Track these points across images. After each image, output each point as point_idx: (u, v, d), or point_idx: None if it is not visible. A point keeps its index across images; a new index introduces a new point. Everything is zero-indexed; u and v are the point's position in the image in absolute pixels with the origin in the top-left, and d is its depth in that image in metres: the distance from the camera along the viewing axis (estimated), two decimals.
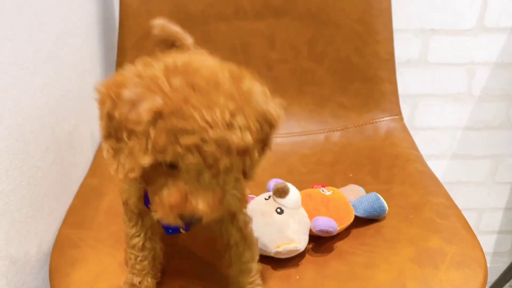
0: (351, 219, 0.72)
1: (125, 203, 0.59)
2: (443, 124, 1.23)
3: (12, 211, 0.60)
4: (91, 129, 0.91)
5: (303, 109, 1.00)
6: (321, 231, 0.68)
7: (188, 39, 0.69)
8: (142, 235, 0.60)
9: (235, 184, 0.52)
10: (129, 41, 0.94)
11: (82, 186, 0.82)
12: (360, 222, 0.74)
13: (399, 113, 0.99)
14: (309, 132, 0.99)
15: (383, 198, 0.75)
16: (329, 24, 0.96)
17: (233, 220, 0.58)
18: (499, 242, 1.41)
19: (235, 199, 0.54)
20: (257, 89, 0.46)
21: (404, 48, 1.12)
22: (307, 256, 0.69)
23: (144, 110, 0.42)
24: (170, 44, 0.68)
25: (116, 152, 0.44)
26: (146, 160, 0.43)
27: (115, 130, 0.44)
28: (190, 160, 0.42)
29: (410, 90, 1.17)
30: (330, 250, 0.70)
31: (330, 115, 0.99)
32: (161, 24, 0.67)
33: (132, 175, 0.44)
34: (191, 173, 0.44)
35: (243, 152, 0.44)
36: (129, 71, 0.46)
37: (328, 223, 0.68)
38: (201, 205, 0.44)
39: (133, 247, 0.60)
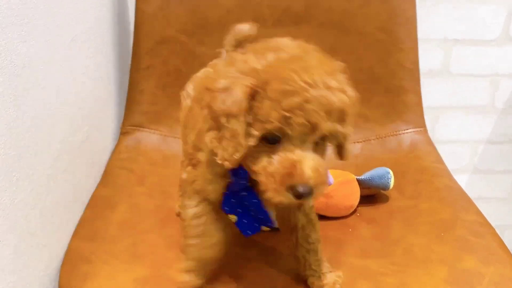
0: (349, 177, 0.76)
1: (200, 191, 0.56)
2: (464, 137, 1.19)
3: (22, 223, 0.56)
4: (103, 138, 0.88)
5: None
6: None
7: None
8: (204, 217, 0.57)
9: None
10: (145, 47, 0.91)
11: (94, 196, 0.78)
12: (386, 236, 0.70)
13: (423, 125, 0.95)
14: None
15: (410, 215, 0.73)
16: (352, 32, 0.93)
17: (300, 205, 0.59)
18: None
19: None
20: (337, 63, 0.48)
21: (426, 58, 1.08)
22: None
23: (238, 91, 0.44)
24: (237, 44, 0.72)
25: (219, 140, 0.46)
26: (253, 135, 0.45)
27: (215, 120, 0.46)
28: (296, 121, 0.43)
29: (431, 102, 1.13)
30: (358, 269, 0.65)
31: None
32: (252, 30, 0.70)
33: (237, 156, 0.46)
34: (294, 141, 0.45)
35: (342, 117, 0.46)
36: (219, 65, 0.51)
37: None
38: (310, 171, 0.45)
39: (195, 225, 0.57)
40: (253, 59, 0.46)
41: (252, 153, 0.47)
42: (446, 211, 0.75)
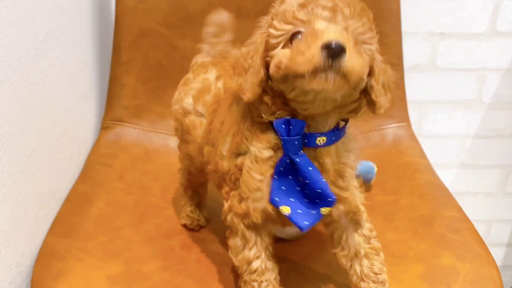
0: None
1: (245, 215, 0.53)
2: (451, 132, 1.18)
3: None
4: (83, 133, 0.87)
5: None
6: None
7: (227, 44, 0.72)
8: (263, 255, 0.55)
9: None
10: (125, 40, 0.90)
11: (72, 192, 0.77)
12: None
13: (407, 120, 0.94)
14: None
15: (390, 211, 0.72)
16: None
17: (357, 227, 0.56)
18: (508, 255, 1.36)
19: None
20: None
21: (412, 52, 1.07)
22: (305, 267, 0.64)
23: (258, 38, 0.49)
24: (216, 33, 0.72)
25: (243, 75, 0.49)
26: (279, 31, 0.47)
27: (241, 66, 0.50)
28: (317, 6, 0.45)
29: (418, 96, 1.12)
30: (332, 264, 0.65)
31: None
32: (226, 17, 0.70)
33: (256, 79, 0.48)
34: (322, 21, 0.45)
35: (362, 12, 0.47)
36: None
37: None
38: (337, 35, 0.44)
39: (255, 272, 0.54)
40: None
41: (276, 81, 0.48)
42: (426, 207, 0.75)
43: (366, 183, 0.80)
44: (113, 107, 0.92)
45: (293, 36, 0.46)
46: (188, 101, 0.64)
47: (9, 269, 0.60)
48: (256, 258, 0.54)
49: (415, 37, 1.06)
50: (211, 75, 0.65)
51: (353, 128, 0.92)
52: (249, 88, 0.48)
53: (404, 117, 0.94)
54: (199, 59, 0.72)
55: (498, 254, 1.35)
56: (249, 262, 0.54)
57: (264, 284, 0.54)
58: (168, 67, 0.91)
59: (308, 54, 0.43)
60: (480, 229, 1.28)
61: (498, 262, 1.36)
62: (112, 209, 0.74)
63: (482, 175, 1.24)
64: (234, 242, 0.55)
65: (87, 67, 0.88)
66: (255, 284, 0.54)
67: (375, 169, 0.80)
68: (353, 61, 0.44)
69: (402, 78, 0.94)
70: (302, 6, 0.46)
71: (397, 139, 0.92)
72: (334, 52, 0.42)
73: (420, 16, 1.05)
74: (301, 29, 0.46)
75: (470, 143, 1.20)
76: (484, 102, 1.15)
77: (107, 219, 0.72)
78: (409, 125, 0.94)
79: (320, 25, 0.45)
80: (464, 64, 1.10)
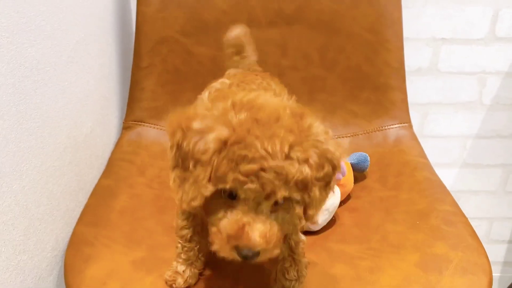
0: (347, 162, 0.85)
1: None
2: (453, 132, 1.23)
3: (31, 208, 0.63)
4: (106, 132, 0.94)
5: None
6: None
7: (253, 57, 0.78)
8: (191, 228, 0.62)
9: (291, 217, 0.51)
10: (145, 47, 0.97)
11: (97, 186, 0.84)
12: (365, 224, 0.75)
13: (408, 121, 1.00)
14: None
15: (390, 205, 0.78)
16: (341, 33, 0.98)
17: (285, 238, 0.58)
18: (509, 251, 1.40)
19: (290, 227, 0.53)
20: (317, 127, 0.47)
21: (415, 56, 1.13)
22: (313, 257, 0.70)
23: (211, 140, 0.44)
24: (236, 51, 0.77)
25: (182, 181, 0.47)
26: (208, 188, 0.45)
27: (182, 160, 0.46)
28: (249, 187, 0.44)
29: (421, 99, 1.18)
30: (337, 253, 0.71)
31: (340, 122, 1.01)
32: (238, 33, 0.74)
33: (194, 203, 0.46)
34: (249, 203, 0.46)
35: (302, 186, 0.45)
36: (200, 105, 0.49)
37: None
38: (257, 237, 0.45)
39: (182, 237, 0.63)
40: (229, 112, 0.46)
41: (212, 202, 0.47)
42: (423, 202, 0.80)
43: (362, 171, 0.89)
44: (134, 109, 0.99)
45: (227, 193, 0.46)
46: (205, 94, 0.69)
47: (45, 253, 0.67)
48: (185, 228, 0.62)
49: (417, 42, 1.12)
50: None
51: (357, 128, 0.99)
52: (187, 201, 0.47)
53: (405, 118, 0.99)
54: (231, 71, 0.76)
55: (499, 251, 1.39)
56: (180, 229, 0.63)
57: (186, 248, 0.63)
58: (185, 71, 0.98)
59: (224, 248, 0.46)
60: (482, 226, 1.34)
61: (500, 259, 1.40)
62: (134, 201, 0.81)
63: (483, 174, 1.28)
64: (176, 210, 0.63)
65: (110, 72, 0.95)
66: (179, 245, 0.63)
67: (369, 158, 0.89)
68: (269, 252, 0.46)
69: (404, 82, 0.99)
70: (243, 174, 0.44)
71: (399, 139, 0.97)
72: (246, 257, 0.46)
73: (422, 22, 1.10)
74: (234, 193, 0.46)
75: (472, 143, 1.25)
76: (484, 104, 1.20)
77: (130, 211, 0.79)
78: (410, 126, 0.99)
79: (247, 217, 0.45)
80: (465, 68, 1.15)
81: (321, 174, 0.47)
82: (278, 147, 0.44)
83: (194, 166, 0.45)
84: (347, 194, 0.84)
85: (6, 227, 0.58)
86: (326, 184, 0.48)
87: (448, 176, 1.27)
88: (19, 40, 0.59)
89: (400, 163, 0.91)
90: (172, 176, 0.48)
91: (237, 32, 0.75)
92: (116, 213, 0.78)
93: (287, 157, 0.44)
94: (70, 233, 0.74)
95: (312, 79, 1.01)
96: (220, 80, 0.71)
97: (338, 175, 0.79)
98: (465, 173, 1.28)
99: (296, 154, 0.44)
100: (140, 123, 0.99)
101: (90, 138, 0.84)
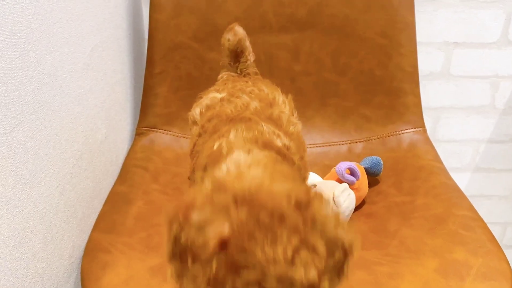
0: (361, 167, 0.86)
1: None
2: (465, 137, 1.22)
3: (49, 215, 0.63)
4: (120, 139, 0.94)
5: (326, 121, 1.02)
6: (349, 169, 0.81)
7: (252, 58, 0.79)
8: None
9: None
10: (158, 53, 0.98)
11: (112, 193, 0.84)
12: (382, 229, 0.75)
13: (422, 125, 0.99)
14: (332, 143, 1.00)
15: (406, 210, 0.78)
16: (353, 37, 0.98)
17: None
18: None
19: None
20: (326, 215, 0.44)
21: (427, 61, 1.13)
22: None
23: (211, 237, 0.41)
24: (235, 55, 0.77)
25: (179, 275, 0.44)
26: None
27: (180, 253, 0.44)
28: None
29: (433, 103, 1.17)
30: (354, 259, 0.70)
31: (353, 127, 1.01)
32: (237, 32, 0.74)
33: None
34: None
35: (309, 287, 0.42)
36: (199, 192, 0.45)
37: (351, 164, 0.82)
38: None
39: None
40: (230, 206, 0.42)
41: None
42: (440, 207, 0.79)
43: (376, 175, 0.89)
44: (147, 115, 0.99)
45: None
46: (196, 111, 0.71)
47: (63, 260, 0.67)
48: None
49: (429, 46, 1.11)
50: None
51: (371, 133, 0.99)
52: None
53: (419, 123, 0.99)
54: (224, 75, 0.77)
55: None
56: None
57: None
58: (197, 77, 0.98)
59: None
60: (495, 231, 1.32)
61: None
62: (149, 208, 0.81)
63: (496, 178, 1.27)
64: None
65: (124, 78, 0.95)
66: None
67: (382, 161, 0.89)
68: None
69: (417, 86, 0.99)
70: (243, 283, 0.40)
71: (413, 143, 0.97)
72: None
73: (435, 26, 1.10)
74: None
75: (484, 148, 1.24)
76: (497, 108, 1.19)
77: (145, 217, 0.79)
78: (425, 130, 0.99)
79: None
80: (478, 72, 1.15)
81: (331, 262, 0.44)
82: (280, 253, 0.41)
83: (193, 262, 0.42)
84: (362, 198, 0.84)
85: (26, 234, 0.57)
86: (339, 271, 0.46)
87: (460, 181, 1.25)
88: (38, 47, 0.59)
89: (415, 167, 0.91)
90: (170, 269, 0.45)
91: (237, 33, 0.74)
92: (132, 219, 0.78)
93: (291, 262, 0.41)
94: (86, 240, 0.73)
95: (325, 84, 1.00)
96: (211, 95, 0.71)
97: (352, 179, 0.80)
98: (477, 178, 1.28)
99: (300, 258, 0.41)
100: (153, 129, 0.99)
101: (105, 144, 0.84)
